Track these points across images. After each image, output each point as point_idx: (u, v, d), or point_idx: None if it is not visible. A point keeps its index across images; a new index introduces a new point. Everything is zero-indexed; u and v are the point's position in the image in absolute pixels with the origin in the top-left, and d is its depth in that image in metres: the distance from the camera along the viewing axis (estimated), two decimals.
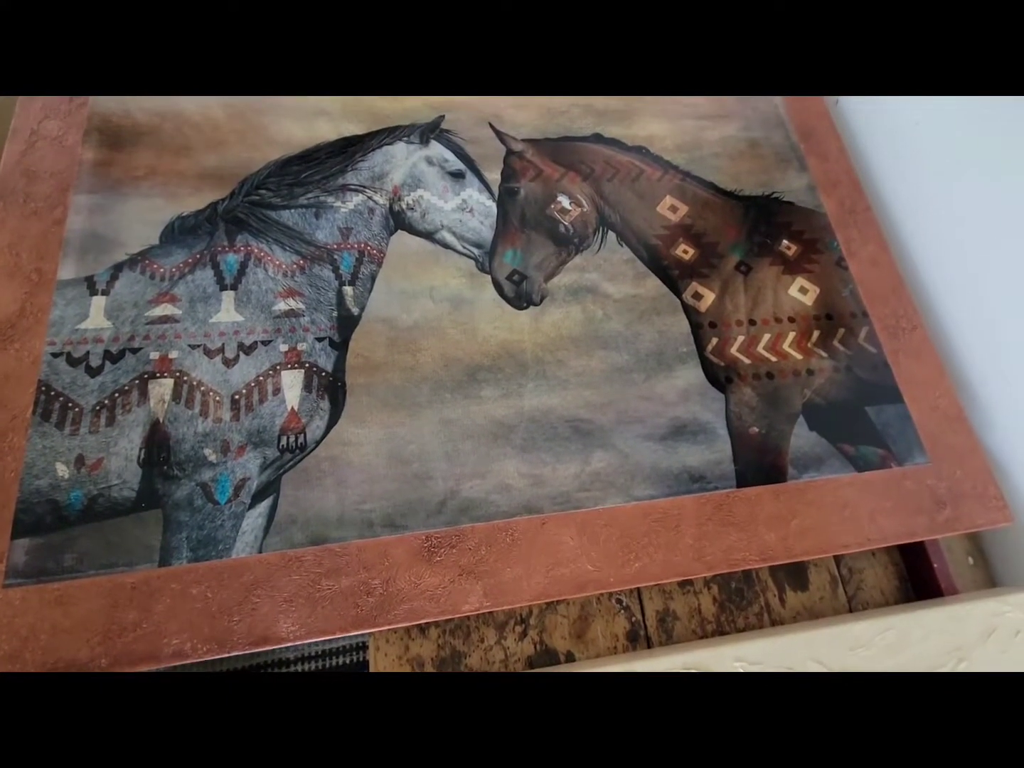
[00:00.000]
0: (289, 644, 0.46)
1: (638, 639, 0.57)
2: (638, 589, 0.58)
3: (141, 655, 0.44)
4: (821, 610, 0.62)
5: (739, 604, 0.60)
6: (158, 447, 0.50)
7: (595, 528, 0.53)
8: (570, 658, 0.55)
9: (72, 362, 0.51)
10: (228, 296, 0.56)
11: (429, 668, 0.52)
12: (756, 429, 0.60)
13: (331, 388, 0.55)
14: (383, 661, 0.52)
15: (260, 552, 0.48)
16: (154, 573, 0.46)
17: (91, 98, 0.62)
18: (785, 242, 0.71)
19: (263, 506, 0.50)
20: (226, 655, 0.45)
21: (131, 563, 0.46)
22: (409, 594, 0.48)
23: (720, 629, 0.58)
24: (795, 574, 0.63)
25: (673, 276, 0.67)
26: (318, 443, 0.53)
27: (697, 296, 0.66)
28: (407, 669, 0.52)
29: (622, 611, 0.57)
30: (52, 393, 0.50)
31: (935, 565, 0.64)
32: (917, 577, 0.66)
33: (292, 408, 0.53)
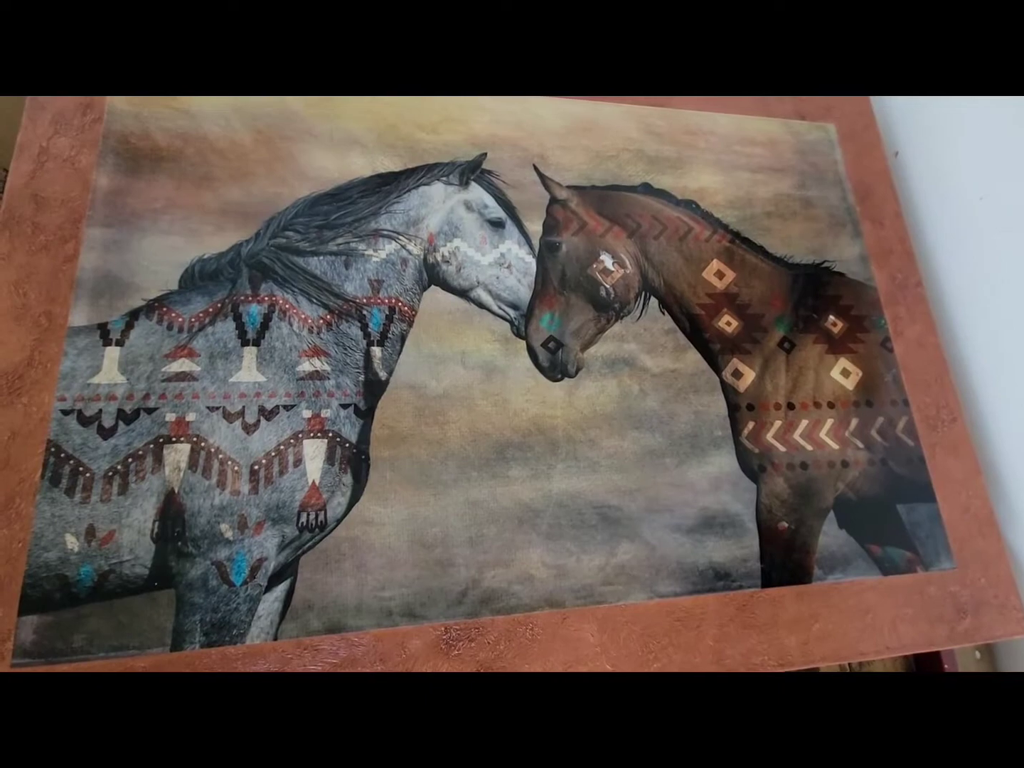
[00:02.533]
0: None
1: None
2: None
3: None
4: None
5: None
6: (172, 520, 0.48)
7: (616, 625, 0.52)
8: None
9: (84, 421, 0.48)
10: (250, 352, 0.53)
11: None
12: (786, 524, 0.59)
13: (354, 461, 0.52)
14: None
15: (275, 639, 0.47)
16: (165, 658, 0.45)
17: (106, 114, 0.57)
18: (831, 318, 0.68)
19: (279, 590, 0.48)
20: None
21: (142, 646, 0.45)
22: None
23: None
24: None
25: (714, 350, 0.64)
26: (339, 522, 0.50)
27: (737, 374, 0.63)
28: None
29: None
30: (62, 455, 0.47)
31: (945, 665, 0.64)
32: (922, 663, 0.66)
33: (313, 482, 0.51)
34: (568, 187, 0.66)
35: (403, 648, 0.48)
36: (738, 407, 0.62)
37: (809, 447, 0.62)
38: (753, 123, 0.75)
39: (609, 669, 0.51)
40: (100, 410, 0.49)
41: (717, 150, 0.72)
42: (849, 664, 0.63)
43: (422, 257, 0.60)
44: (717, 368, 0.63)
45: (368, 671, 0.47)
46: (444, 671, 0.48)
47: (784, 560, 0.58)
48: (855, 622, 0.57)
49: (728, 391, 0.62)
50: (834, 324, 0.68)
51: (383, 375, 0.55)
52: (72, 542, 0.46)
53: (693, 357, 0.63)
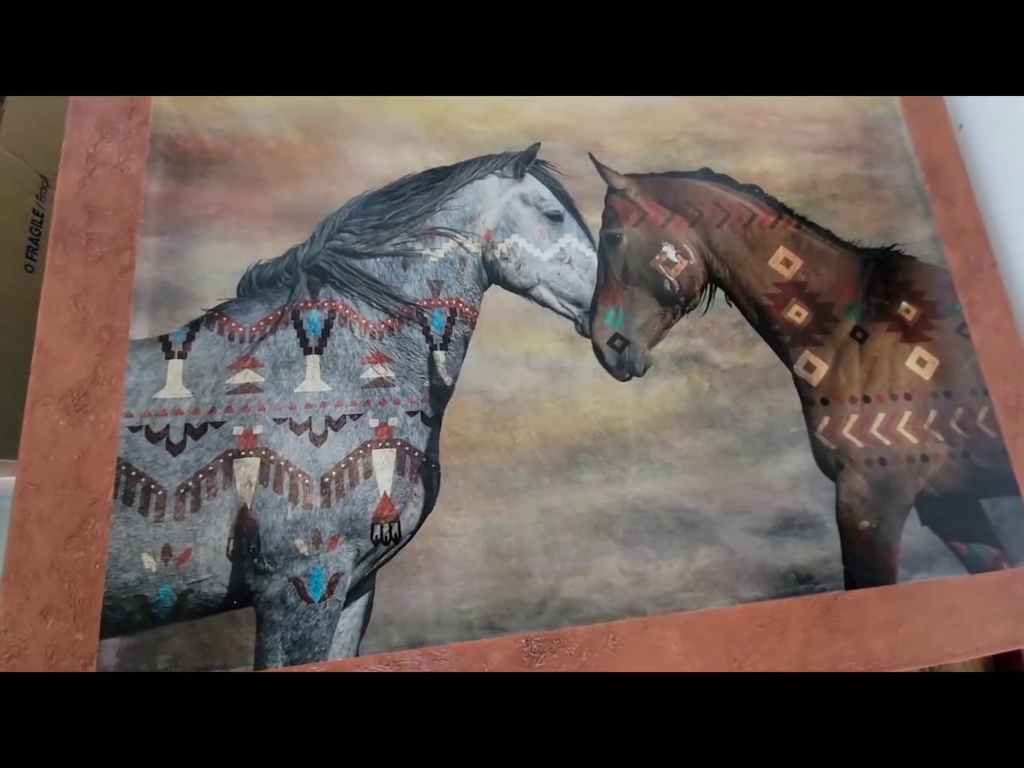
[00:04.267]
0: None
1: None
2: None
3: None
4: None
5: None
6: (247, 537, 0.46)
7: (699, 632, 0.51)
8: None
9: (152, 437, 0.47)
10: (313, 361, 0.51)
11: None
12: (867, 523, 0.57)
13: (424, 470, 0.51)
14: None
15: (357, 655, 0.46)
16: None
17: (152, 117, 0.55)
18: (905, 304, 0.65)
19: (358, 605, 0.47)
20: None
21: (226, 665, 0.44)
22: None
23: None
24: None
25: (784, 343, 0.61)
26: (412, 534, 0.49)
27: (809, 367, 0.61)
28: None
29: None
30: (133, 473, 0.46)
31: None
32: (1001, 660, 0.64)
33: (385, 493, 0.49)
34: (626, 175, 0.63)
35: (485, 661, 0.47)
36: (812, 402, 0.60)
37: (887, 442, 0.59)
38: (815, 100, 0.71)
39: None
40: (168, 425, 0.48)
41: (778, 131, 0.69)
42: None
43: (480, 255, 0.57)
44: (788, 361, 0.60)
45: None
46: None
47: (867, 561, 0.55)
48: (942, 623, 0.55)
49: (801, 385, 0.60)
50: (907, 311, 0.65)
51: (448, 380, 0.53)
52: (149, 562, 0.45)
53: (763, 351, 0.60)
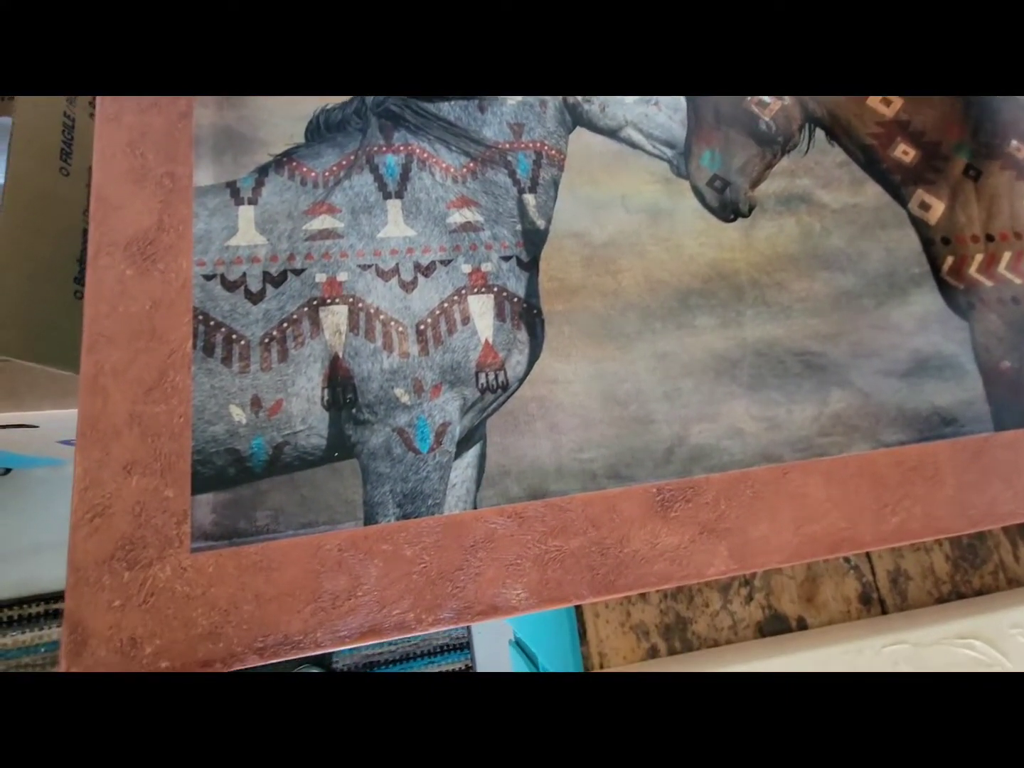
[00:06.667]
0: (520, 614, 0.39)
1: (871, 602, 0.50)
2: None
3: (359, 627, 0.37)
4: None
5: (972, 562, 0.53)
6: (342, 387, 0.42)
7: (843, 478, 0.45)
8: (801, 624, 0.48)
9: (228, 286, 0.42)
10: (394, 205, 0.46)
11: (653, 635, 0.46)
12: (1008, 363, 0.51)
13: (527, 316, 0.46)
14: (604, 629, 0.45)
15: (475, 507, 0.41)
16: (360, 533, 0.39)
17: None
18: (1015, 143, 0.59)
19: (470, 455, 0.42)
20: (454, 627, 0.38)
21: (333, 521, 0.39)
22: (647, 555, 0.41)
23: (956, 589, 0.52)
24: None
25: (895, 182, 0.56)
26: (521, 381, 0.44)
27: (924, 206, 0.55)
28: (630, 637, 0.46)
29: (851, 571, 0.50)
30: (212, 323, 0.41)
31: None
32: None
33: (486, 340, 0.44)
34: None
35: (615, 512, 0.42)
36: (932, 241, 0.54)
37: (1018, 280, 0.54)
38: None
39: (844, 526, 0.44)
40: (244, 273, 0.43)
41: None
42: None
43: (561, 97, 0.52)
44: (902, 200, 0.55)
45: (581, 538, 0.41)
46: (664, 535, 0.42)
47: (1014, 401, 0.50)
48: None
49: (918, 225, 0.54)
50: (1018, 149, 0.59)
51: (541, 223, 0.48)
52: (238, 414, 0.40)
53: (873, 190, 0.55)
